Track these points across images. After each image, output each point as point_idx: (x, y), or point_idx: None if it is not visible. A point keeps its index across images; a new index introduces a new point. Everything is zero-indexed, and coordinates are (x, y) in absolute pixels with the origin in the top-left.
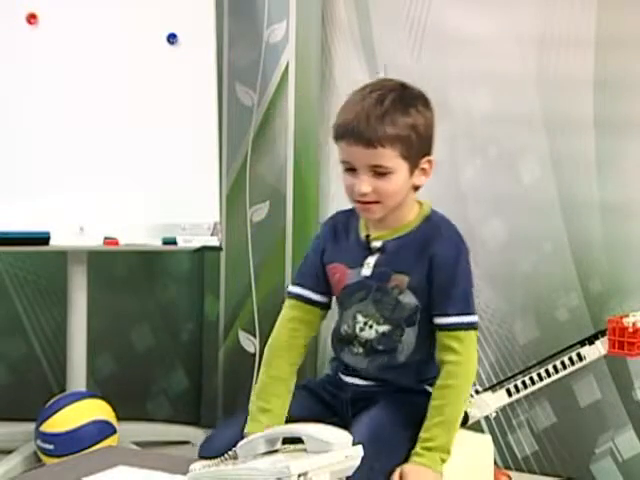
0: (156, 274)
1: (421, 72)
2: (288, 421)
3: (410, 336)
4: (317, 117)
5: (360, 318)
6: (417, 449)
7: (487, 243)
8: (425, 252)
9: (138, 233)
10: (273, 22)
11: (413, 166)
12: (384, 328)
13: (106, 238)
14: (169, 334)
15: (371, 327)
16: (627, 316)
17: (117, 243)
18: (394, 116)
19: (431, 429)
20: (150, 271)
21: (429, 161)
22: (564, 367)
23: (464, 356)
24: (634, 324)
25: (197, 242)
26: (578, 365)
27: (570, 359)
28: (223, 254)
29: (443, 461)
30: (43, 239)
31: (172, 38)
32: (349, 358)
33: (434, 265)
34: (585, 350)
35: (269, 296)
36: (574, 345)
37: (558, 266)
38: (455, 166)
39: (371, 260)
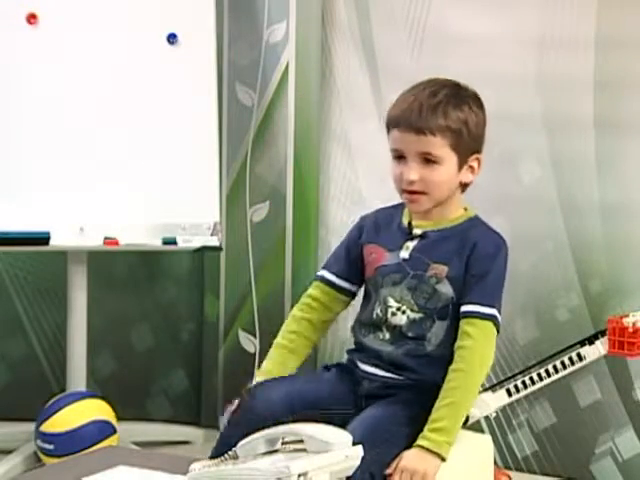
0: (156, 274)
1: (421, 72)
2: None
3: (439, 329)
4: (317, 117)
5: (392, 303)
6: (424, 432)
7: None
8: (467, 244)
9: (138, 233)
10: (273, 22)
11: (462, 161)
12: (416, 316)
13: (106, 238)
14: (169, 334)
15: (404, 313)
16: (627, 316)
17: (117, 243)
18: (446, 108)
19: (440, 409)
20: (150, 271)
21: (477, 159)
22: (564, 367)
23: (478, 342)
24: (634, 324)
25: (197, 242)
26: (578, 365)
27: (570, 359)
28: (223, 254)
29: (449, 445)
30: (43, 239)
31: (172, 38)
32: (374, 343)
33: (472, 255)
34: (585, 350)
35: (269, 296)
36: (574, 345)
37: (558, 266)
38: None
39: (410, 244)
